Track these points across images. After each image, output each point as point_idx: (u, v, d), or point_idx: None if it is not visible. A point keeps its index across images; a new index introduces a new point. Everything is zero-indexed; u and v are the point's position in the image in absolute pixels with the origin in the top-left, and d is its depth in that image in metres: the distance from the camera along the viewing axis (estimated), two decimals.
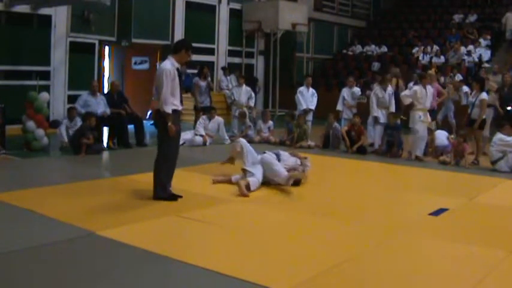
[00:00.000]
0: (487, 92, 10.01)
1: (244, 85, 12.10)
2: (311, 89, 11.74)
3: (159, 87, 5.82)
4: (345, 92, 11.45)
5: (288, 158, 7.17)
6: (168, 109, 5.75)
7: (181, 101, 5.98)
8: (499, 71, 13.72)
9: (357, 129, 10.02)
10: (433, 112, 10.25)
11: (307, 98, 11.59)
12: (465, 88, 13.14)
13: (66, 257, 4.13)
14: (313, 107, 11.59)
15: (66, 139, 9.21)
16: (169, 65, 5.86)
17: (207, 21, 16.40)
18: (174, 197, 5.96)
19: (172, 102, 5.79)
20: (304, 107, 11.50)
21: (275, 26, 16.81)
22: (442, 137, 9.56)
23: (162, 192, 5.94)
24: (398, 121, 10.13)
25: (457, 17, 19.76)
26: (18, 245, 4.24)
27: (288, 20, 16.92)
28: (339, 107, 11.36)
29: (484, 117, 9.36)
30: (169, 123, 5.75)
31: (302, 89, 11.74)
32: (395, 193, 6.86)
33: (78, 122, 9.29)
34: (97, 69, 13.61)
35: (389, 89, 10.51)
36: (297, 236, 4.86)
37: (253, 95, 12.10)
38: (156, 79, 5.94)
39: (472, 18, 19.36)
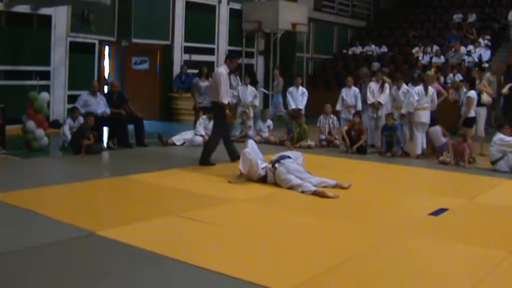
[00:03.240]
0: (480, 92, 10.12)
1: (249, 85, 12.16)
2: (301, 88, 11.94)
3: (217, 86, 8.06)
4: (344, 92, 11.46)
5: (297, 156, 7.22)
6: (225, 101, 8.14)
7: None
8: (496, 71, 13.73)
9: (357, 129, 10.01)
10: (432, 112, 10.25)
11: (297, 97, 11.74)
12: (465, 88, 13.16)
13: (66, 257, 4.13)
14: (302, 106, 11.69)
15: (69, 138, 9.20)
16: (224, 70, 8.20)
17: (207, 21, 16.41)
18: (212, 164, 8.06)
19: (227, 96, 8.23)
20: (293, 106, 11.59)
21: (275, 26, 16.81)
22: (438, 134, 9.53)
23: (207, 159, 8.07)
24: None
25: (457, 17, 19.76)
26: (18, 245, 4.24)
27: (288, 20, 16.92)
28: (338, 107, 11.37)
29: (470, 115, 9.53)
30: (227, 111, 8.29)
31: (291, 89, 12.01)
32: (395, 193, 6.85)
33: (82, 121, 9.30)
34: (97, 69, 13.62)
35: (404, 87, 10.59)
36: (297, 236, 4.85)
37: (257, 94, 12.17)
38: (212, 80, 8.44)
39: (472, 18, 19.37)
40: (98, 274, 3.78)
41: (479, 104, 10.10)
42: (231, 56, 8.68)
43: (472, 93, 9.67)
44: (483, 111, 10.21)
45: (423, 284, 3.79)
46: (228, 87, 8.36)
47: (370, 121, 10.72)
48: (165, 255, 4.12)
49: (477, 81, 10.48)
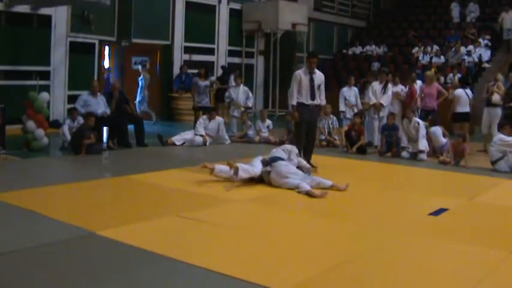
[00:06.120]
0: (491, 93, 10.39)
1: (241, 85, 12.12)
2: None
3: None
4: (346, 92, 11.44)
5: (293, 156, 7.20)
6: (292, 102, 8.07)
7: (313, 98, 8.08)
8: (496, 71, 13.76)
9: (357, 129, 10.01)
10: (432, 112, 10.27)
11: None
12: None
13: (66, 257, 4.13)
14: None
15: (69, 139, 9.20)
16: (298, 71, 8.30)
17: (207, 21, 16.40)
18: (312, 167, 7.66)
19: (298, 97, 8.03)
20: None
21: (275, 26, 16.81)
22: (438, 135, 9.52)
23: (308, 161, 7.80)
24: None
25: (457, 17, 19.77)
26: (18, 245, 4.24)
27: (288, 20, 16.92)
28: (342, 107, 11.33)
29: (456, 111, 10.27)
30: (293, 111, 8.12)
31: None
32: (395, 193, 6.85)
33: (81, 121, 9.29)
34: (97, 69, 13.61)
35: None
36: (297, 236, 4.86)
37: (250, 95, 12.08)
38: None
39: (470, 19, 19.38)
40: (98, 274, 3.78)
41: (491, 104, 10.32)
42: (307, 57, 8.98)
43: (457, 92, 10.39)
44: (495, 111, 10.30)
45: (423, 284, 3.79)
46: (302, 89, 8.04)
47: (374, 122, 10.64)
48: (165, 255, 4.12)
49: (491, 83, 10.66)
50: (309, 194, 6.34)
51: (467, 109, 10.43)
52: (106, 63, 14.86)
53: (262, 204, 6.02)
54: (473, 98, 10.89)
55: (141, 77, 14.28)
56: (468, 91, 10.67)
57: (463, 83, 10.96)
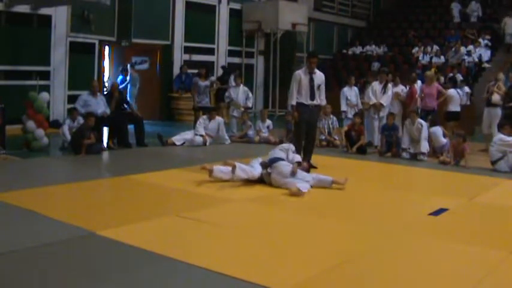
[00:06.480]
0: (491, 93, 10.47)
1: (241, 85, 12.11)
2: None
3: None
4: (347, 92, 11.43)
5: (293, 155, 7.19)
6: (292, 102, 8.05)
7: (312, 98, 8.03)
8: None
9: (357, 129, 10.01)
10: (432, 112, 10.27)
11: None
12: (466, 88, 13.22)
13: (66, 257, 4.12)
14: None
15: (69, 139, 9.20)
16: (298, 71, 8.25)
17: (207, 21, 16.42)
18: (312, 167, 7.79)
19: (298, 97, 8.00)
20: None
21: (275, 26, 16.83)
22: (438, 135, 9.52)
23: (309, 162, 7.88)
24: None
25: (457, 16, 19.78)
26: (18, 245, 4.24)
27: (288, 20, 16.94)
28: (343, 107, 11.32)
29: (449, 109, 10.76)
30: (292, 111, 8.14)
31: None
32: (396, 193, 6.85)
33: (81, 121, 9.29)
34: (97, 69, 13.61)
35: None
36: (297, 236, 4.85)
37: (250, 95, 12.06)
38: None
39: (472, 18, 19.40)
40: (98, 274, 3.78)
41: (491, 104, 10.40)
42: (307, 56, 8.91)
43: (450, 92, 10.94)
44: (496, 111, 10.34)
45: (423, 284, 3.79)
46: (302, 89, 8.00)
47: (374, 122, 10.61)
48: (165, 255, 4.12)
49: (492, 82, 10.75)
50: (295, 193, 6.28)
51: (458, 108, 10.98)
52: (106, 64, 14.86)
53: (262, 204, 6.02)
54: (470, 98, 11.11)
55: (129, 75, 14.33)
56: (460, 91, 11.18)
57: (453, 83, 11.48)
